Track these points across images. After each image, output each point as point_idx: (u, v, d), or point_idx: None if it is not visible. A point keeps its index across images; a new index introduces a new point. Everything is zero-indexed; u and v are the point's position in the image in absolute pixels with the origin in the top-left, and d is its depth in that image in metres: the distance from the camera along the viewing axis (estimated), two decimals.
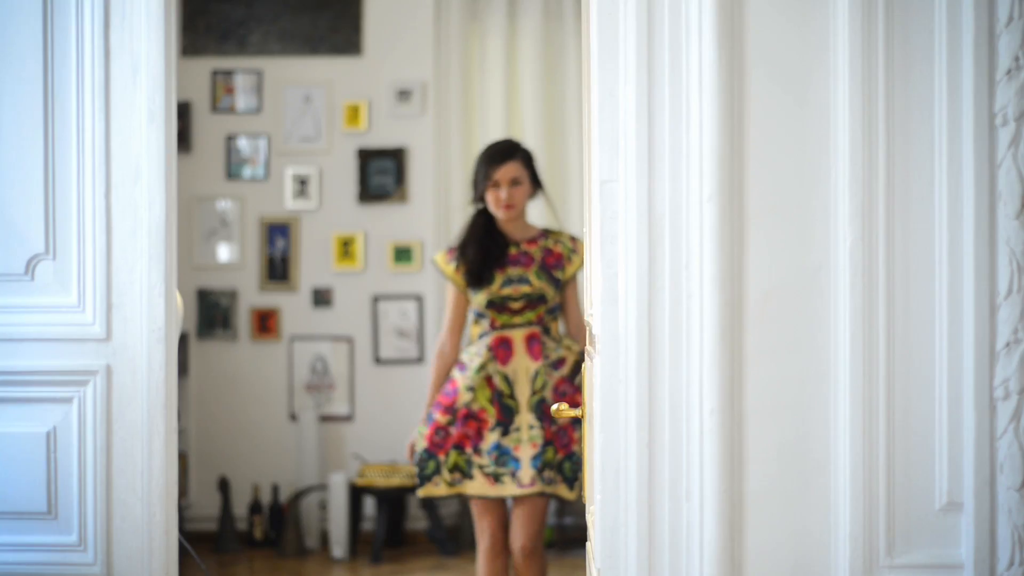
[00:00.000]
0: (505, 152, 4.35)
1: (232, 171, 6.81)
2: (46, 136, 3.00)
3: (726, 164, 2.36)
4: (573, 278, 4.38)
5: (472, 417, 4.26)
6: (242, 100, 6.79)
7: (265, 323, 6.78)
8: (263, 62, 6.79)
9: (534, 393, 4.26)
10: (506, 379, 4.28)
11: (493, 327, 4.30)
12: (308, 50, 6.75)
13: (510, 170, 4.30)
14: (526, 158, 4.38)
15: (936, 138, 2.36)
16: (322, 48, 6.77)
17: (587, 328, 2.81)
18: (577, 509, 6.68)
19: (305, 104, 6.76)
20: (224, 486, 6.50)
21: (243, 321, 6.79)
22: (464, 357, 4.36)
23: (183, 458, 6.49)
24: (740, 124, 2.37)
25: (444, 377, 4.40)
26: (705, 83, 2.35)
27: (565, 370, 4.29)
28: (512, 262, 4.33)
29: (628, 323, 2.39)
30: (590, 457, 2.63)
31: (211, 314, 6.79)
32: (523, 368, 4.28)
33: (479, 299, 4.32)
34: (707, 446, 2.35)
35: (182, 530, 4.01)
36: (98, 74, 2.99)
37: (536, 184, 4.41)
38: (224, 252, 6.80)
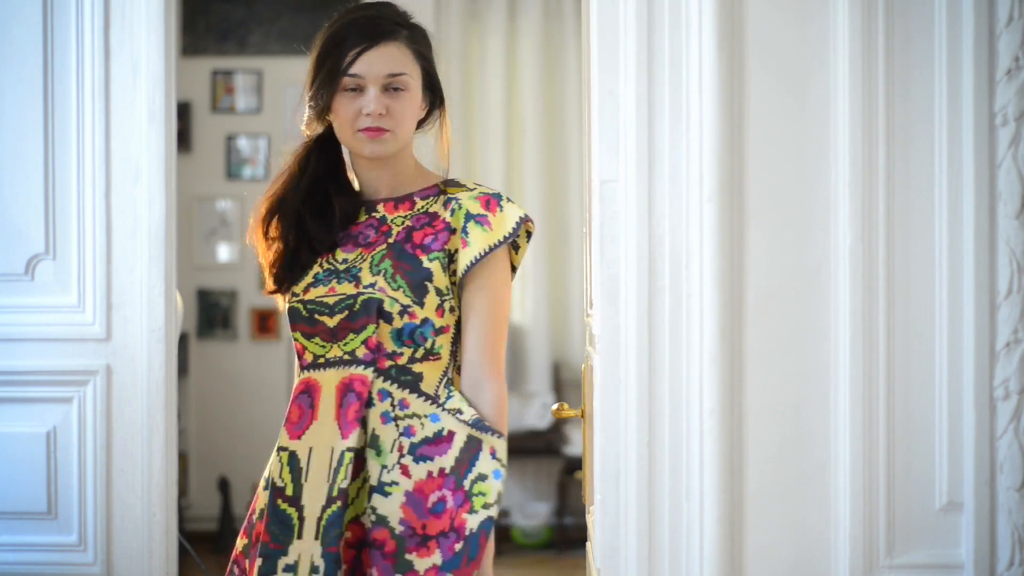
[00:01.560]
0: (379, 24, 2.32)
1: (232, 171, 6.81)
2: (46, 136, 3.00)
3: (726, 164, 2.35)
4: (481, 268, 2.31)
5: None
6: (242, 100, 6.79)
7: (265, 323, 6.78)
8: (263, 62, 6.79)
9: (329, 501, 2.23)
10: (292, 463, 2.28)
11: (302, 363, 2.34)
12: (308, 50, 6.76)
13: (388, 57, 2.30)
14: (418, 40, 2.36)
15: (936, 138, 2.36)
16: None
17: (587, 329, 2.81)
18: (577, 509, 6.68)
19: None
20: (224, 486, 6.50)
21: (243, 321, 6.79)
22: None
23: (183, 458, 6.49)
24: (740, 124, 2.37)
25: None
26: (705, 83, 2.35)
27: (448, 459, 2.26)
28: (350, 238, 2.36)
29: (628, 323, 2.38)
30: (590, 457, 2.63)
31: (211, 314, 6.79)
32: (326, 445, 2.27)
33: (282, 305, 2.39)
34: (707, 446, 2.35)
35: (182, 530, 4.01)
36: (98, 74, 2.99)
37: (433, 99, 2.41)
38: (224, 252, 6.80)
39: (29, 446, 3.01)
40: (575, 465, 6.48)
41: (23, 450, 3.00)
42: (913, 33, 2.35)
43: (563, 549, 6.49)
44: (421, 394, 2.29)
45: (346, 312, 2.28)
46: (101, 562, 3.00)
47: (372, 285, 2.28)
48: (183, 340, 6.37)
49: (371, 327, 2.27)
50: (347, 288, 2.29)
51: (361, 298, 2.28)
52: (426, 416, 2.29)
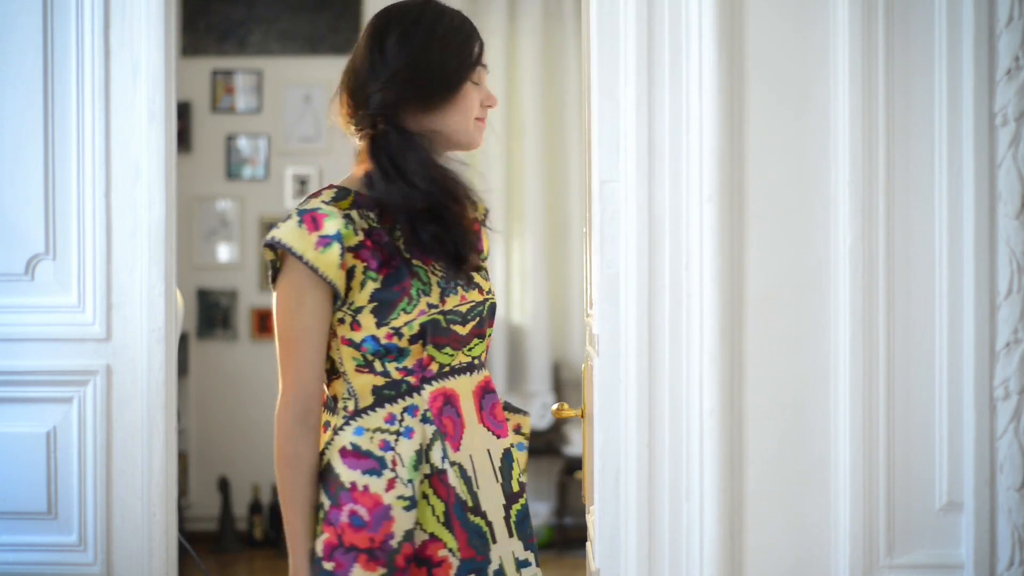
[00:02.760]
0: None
1: (232, 171, 6.80)
2: (46, 136, 3.01)
3: (726, 165, 2.35)
4: None
5: (421, 562, 2.21)
6: (242, 100, 6.79)
7: (265, 323, 6.78)
8: (263, 62, 6.79)
9: (512, 498, 2.33)
10: (463, 475, 2.25)
11: (426, 375, 2.25)
12: (308, 50, 6.75)
13: None
14: None
15: (936, 138, 2.36)
16: (322, 48, 6.77)
17: (587, 329, 2.81)
18: (577, 509, 6.68)
19: (305, 104, 6.76)
20: (224, 486, 6.50)
21: (243, 321, 6.79)
22: (361, 441, 2.18)
23: (183, 458, 6.49)
24: (740, 124, 2.37)
25: (311, 485, 2.17)
26: (705, 84, 2.35)
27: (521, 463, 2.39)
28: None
29: (628, 323, 2.38)
30: (590, 457, 2.63)
31: (211, 314, 6.79)
32: (481, 450, 2.29)
33: (415, 312, 2.23)
34: (707, 446, 2.35)
35: (182, 530, 4.01)
36: (98, 74, 2.99)
37: None
38: (224, 252, 6.80)
39: (29, 446, 3.01)
40: (575, 465, 6.48)
41: (23, 450, 3.00)
42: (913, 33, 2.35)
43: (563, 549, 6.49)
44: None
45: (477, 319, 2.33)
46: (101, 562, 3.00)
47: (491, 291, 2.38)
48: (183, 340, 6.37)
49: (490, 330, 2.38)
50: (475, 295, 2.33)
51: (488, 303, 2.36)
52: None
